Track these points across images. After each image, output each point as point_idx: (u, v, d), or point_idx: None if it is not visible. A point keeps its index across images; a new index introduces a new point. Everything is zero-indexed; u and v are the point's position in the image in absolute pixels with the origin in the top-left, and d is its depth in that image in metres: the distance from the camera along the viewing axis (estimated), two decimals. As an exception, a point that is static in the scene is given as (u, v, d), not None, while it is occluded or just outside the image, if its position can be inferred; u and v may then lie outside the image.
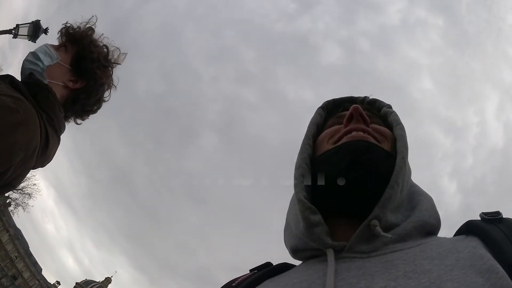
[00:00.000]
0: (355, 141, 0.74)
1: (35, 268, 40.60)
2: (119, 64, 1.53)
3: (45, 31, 10.57)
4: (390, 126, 0.83)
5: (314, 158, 0.79)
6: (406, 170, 0.71)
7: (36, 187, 29.85)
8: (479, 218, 0.66)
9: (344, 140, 0.76)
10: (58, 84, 1.36)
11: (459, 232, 0.68)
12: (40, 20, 10.51)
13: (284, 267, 0.75)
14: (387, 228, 0.65)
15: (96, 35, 1.50)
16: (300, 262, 0.75)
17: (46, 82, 1.33)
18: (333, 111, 0.91)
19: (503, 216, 0.65)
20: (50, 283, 43.56)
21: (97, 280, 53.51)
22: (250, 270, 0.80)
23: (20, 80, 1.29)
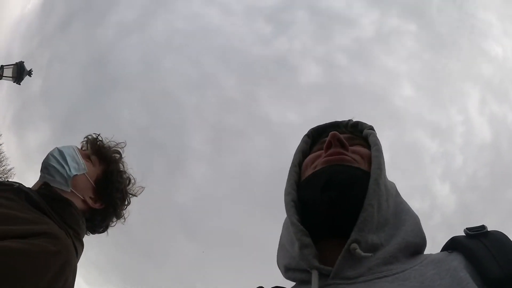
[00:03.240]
0: (329, 166, 0.77)
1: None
2: (135, 196, 1.53)
3: (29, 73, 10.65)
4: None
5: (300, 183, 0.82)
6: (381, 190, 0.72)
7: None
8: (464, 234, 0.68)
9: (321, 165, 0.78)
10: (78, 196, 1.33)
11: (445, 248, 0.69)
12: (24, 62, 10.60)
13: None
14: (370, 249, 0.66)
15: (122, 161, 1.50)
16: (292, 283, 0.77)
17: (68, 190, 1.30)
18: (319, 137, 0.94)
19: (488, 230, 0.66)
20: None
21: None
22: None
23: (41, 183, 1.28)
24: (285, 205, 0.79)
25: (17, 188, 1.20)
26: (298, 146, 0.92)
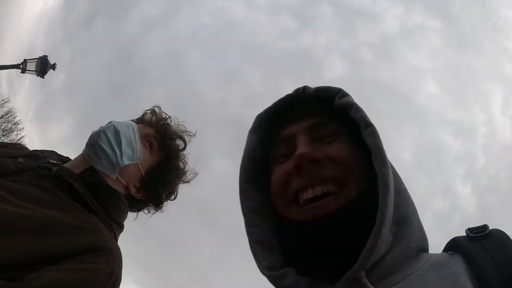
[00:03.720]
0: (312, 224, 0.63)
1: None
2: (188, 183, 1.36)
3: (53, 66, 10.63)
4: (352, 122, 0.69)
5: (277, 217, 0.70)
6: (390, 207, 0.61)
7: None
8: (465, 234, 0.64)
9: (299, 217, 0.65)
10: (122, 182, 1.16)
11: (446, 249, 0.66)
12: (47, 56, 10.58)
13: None
14: (373, 266, 0.61)
15: (184, 157, 1.32)
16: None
17: (113, 177, 1.12)
18: (271, 124, 0.76)
19: (490, 229, 0.63)
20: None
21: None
22: None
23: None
24: (250, 248, 0.70)
25: (58, 176, 1.01)
26: (245, 150, 0.76)
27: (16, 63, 10.34)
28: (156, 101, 1.35)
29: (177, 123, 1.33)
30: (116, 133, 1.13)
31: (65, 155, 1.19)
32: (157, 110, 1.32)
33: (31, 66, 10.40)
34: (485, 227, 0.63)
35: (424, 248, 0.67)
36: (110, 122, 1.16)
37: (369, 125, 0.66)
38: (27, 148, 1.17)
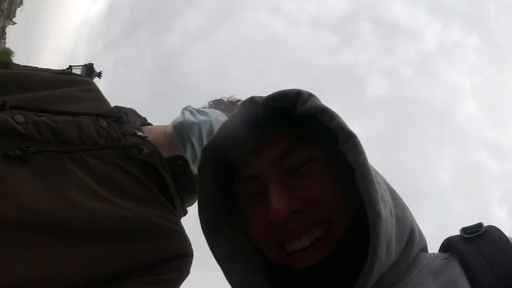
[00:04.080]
0: (307, 269, 0.56)
1: None
2: None
3: (99, 74, 10.45)
4: (325, 129, 0.55)
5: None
6: (383, 237, 0.51)
7: None
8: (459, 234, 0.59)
9: (290, 263, 0.58)
10: None
11: (442, 248, 0.61)
12: (93, 64, 10.37)
13: None
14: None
15: None
16: None
17: (192, 173, 0.87)
18: (224, 156, 0.60)
19: (486, 226, 0.57)
20: None
21: None
22: None
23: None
24: None
25: (146, 162, 0.76)
26: (201, 194, 0.62)
27: (60, 69, 9.63)
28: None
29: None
30: (210, 132, 0.89)
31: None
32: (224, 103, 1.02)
33: (77, 72, 9.90)
34: (479, 226, 0.58)
35: (423, 249, 0.61)
36: (207, 113, 0.92)
37: (349, 136, 0.53)
38: (105, 99, 0.89)
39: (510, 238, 0.56)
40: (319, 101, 0.56)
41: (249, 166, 0.59)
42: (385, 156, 37.97)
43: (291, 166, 0.57)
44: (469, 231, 0.58)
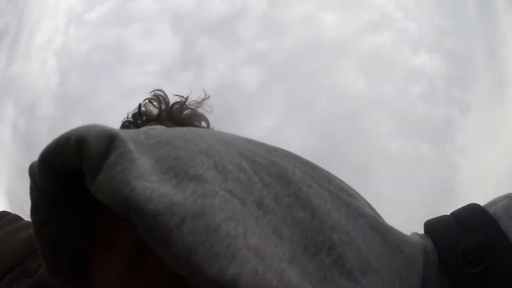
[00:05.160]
0: None
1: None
2: None
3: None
4: None
5: None
6: None
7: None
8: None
9: None
10: None
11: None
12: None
13: None
14: None
15: None
16: None
17: None
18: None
19: (491, 251, 0.32)
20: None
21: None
22: None
23: None
24: None
25: None
26: None
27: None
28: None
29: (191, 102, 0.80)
30: None
31: None
32: (161, 97, 0.79)
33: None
34: (484, 251, 0.30)
35: None
36: None
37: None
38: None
39: None
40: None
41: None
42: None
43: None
44: (471, 258, 0.30)
